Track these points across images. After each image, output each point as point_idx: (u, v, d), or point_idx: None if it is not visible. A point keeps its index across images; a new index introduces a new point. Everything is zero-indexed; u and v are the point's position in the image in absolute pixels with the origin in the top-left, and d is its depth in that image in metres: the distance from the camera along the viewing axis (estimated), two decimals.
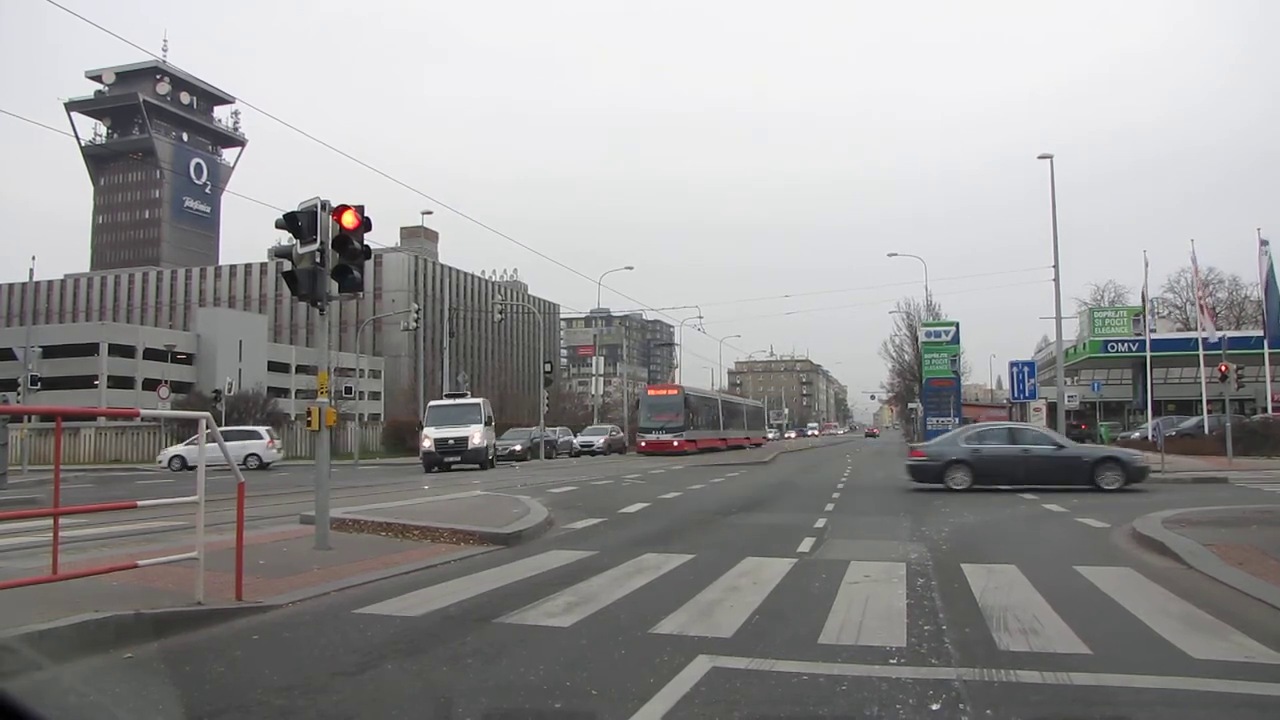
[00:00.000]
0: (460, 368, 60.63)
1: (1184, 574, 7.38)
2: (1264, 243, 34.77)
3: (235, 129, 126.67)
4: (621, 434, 49.21)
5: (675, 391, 46.57)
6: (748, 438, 57.64)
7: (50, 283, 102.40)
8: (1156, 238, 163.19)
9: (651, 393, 48.25)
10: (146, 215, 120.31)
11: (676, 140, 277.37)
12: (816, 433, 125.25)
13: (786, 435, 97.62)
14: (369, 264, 11.98)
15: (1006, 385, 39.37)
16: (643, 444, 43.47)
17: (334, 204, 8.71)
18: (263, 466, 32.64)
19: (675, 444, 42.18)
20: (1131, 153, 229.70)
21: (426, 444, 29.13)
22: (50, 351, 54.95)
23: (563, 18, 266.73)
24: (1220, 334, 34.11)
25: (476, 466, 28.87)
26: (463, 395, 35.03)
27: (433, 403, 32.51)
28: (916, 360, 56.07)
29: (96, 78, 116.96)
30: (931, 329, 50.97)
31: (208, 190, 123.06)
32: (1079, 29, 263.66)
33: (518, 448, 39.45)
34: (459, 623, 5.77)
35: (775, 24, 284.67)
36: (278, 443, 35.49)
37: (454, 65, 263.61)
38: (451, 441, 28.86)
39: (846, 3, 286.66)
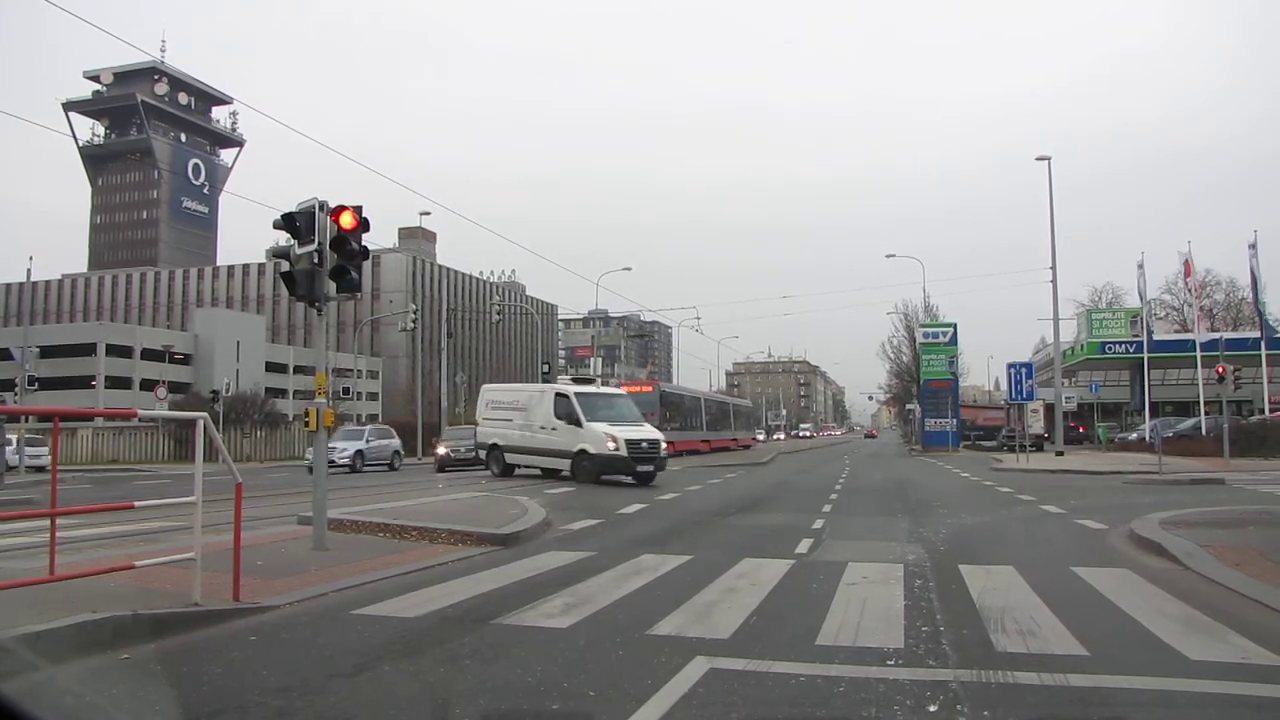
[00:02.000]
0: (458, 368, 60.63)
1: (1181, 575, 7.38)
2: (1252, 246, 35.02)
3: (233, 129, 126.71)
4: None
5: (649, 388, 42.89)
6: (735, 439, 54.78)
7: (48, 283, 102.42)
8: (1156, 238, 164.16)
9: (624, 390, 44.92)
10: (144, 216, 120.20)
11: (676, 140, 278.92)
12: (810, 434, 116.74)
13: (775, 437, 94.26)
14: (367, 264, 11.99)
15: (1004, 386, 39.33)
16: None
17: (332, 204, 8.71)
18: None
19: None
20: (1131, 153, 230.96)
21: (611, 446, 20.79)
22: (48, 352, 54.84)
23: (563, 18, 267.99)
24: (1215, 335, 34.14)
25: (632, 481, 20.51)
26: (591, 380, 27.78)
27: (576, 390, 23.48)
28: (914, 361, 56.04)
29: (95, 78, 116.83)
30: (929, 330, 51.08)
31: (206, 191, 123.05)
32: (1078, 29, 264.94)
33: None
34: (457, 623, 5.77)
35: (775, 24, 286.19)
36: (25, 451, 30.97)
37: (454, 65, 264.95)
38: (645, 445, 21.46)
39: (846, 2, 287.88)
